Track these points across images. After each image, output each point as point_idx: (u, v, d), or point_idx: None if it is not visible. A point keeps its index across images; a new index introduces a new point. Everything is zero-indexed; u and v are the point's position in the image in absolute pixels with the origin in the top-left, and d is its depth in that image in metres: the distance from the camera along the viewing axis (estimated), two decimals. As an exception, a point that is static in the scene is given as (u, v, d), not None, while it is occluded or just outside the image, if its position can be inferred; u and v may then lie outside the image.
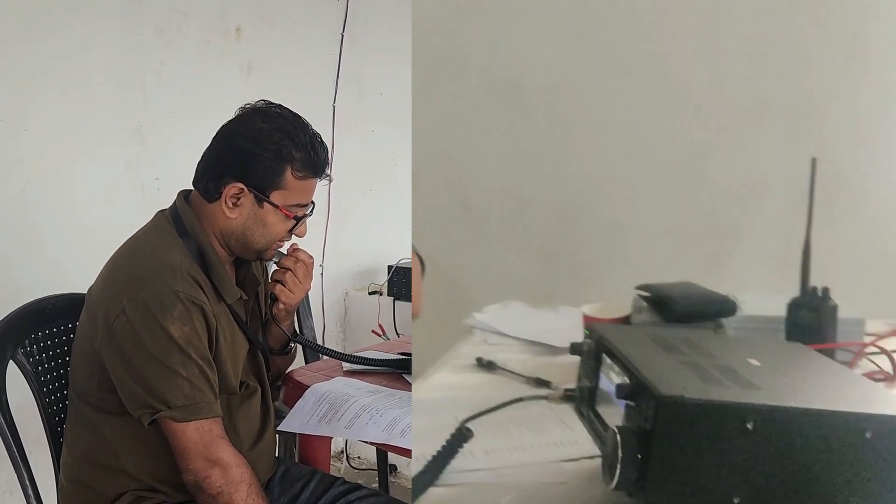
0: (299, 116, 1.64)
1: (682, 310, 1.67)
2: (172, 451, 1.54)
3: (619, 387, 1.05)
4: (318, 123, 1.68)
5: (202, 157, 1.64)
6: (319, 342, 3.03)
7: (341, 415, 1.73)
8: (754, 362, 1.20)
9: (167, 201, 1.70)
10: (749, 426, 0.94)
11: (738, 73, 2.40)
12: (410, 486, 1.16)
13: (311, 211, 1.67)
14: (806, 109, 2.41)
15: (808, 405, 0.99)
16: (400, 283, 3.13)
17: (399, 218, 3.31)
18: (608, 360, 1.19)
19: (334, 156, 2.85)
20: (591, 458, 1.27)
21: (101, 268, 1.63)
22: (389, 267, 3.16)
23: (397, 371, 1.94)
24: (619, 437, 0.96)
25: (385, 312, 3.13)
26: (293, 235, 1.68)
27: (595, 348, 1.26)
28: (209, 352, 1.57)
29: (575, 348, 1.31)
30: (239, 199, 1.60)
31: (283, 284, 1.73)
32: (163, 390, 1.50)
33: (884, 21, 2.39)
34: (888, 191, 2.44)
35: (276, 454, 1.87)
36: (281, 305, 1.76)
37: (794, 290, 1.71)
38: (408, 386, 1.86)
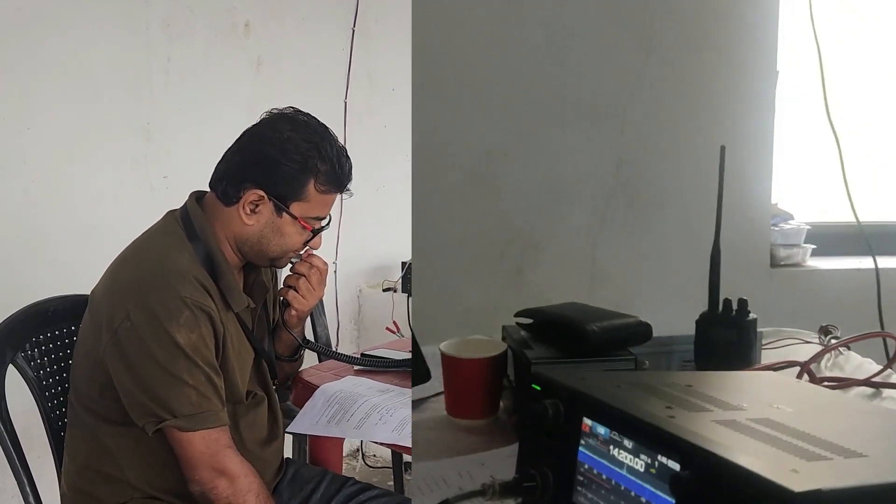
0: (327, 128, 1.60)
1: (598, 339, 1.33)
2: (178, 460, 1.50)
3: (676, 479, 0.73)
4: (329, 120, 1.63)
5: (223, 158, 1.59)
6: (333, 340, 2.99)
7: (351, 415, 1.70)
8: (785, 408, 0.92)
9: (176, 200, 1.65)
10: None
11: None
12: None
13: (328, 224, 1.63)
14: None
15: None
16: (414, 279, 3.08)
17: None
18: (603, 433, 0.83)
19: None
20: None
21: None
22: (403, 263, 3.12)
23: (409, 370, 1.89)
24: None
25: (399, 309, 3.08)
26: (308, 246, 1.65)
27: (566, 412, 0.88)
28: (216, 359, 1.52)
29: (535, 413, 0.88)
30: (258, 206, 1.55)
31: (296, 291, 1.69)
32: (168, 399, 1.46)
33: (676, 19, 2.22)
34: (685, 194, 2.24)
35: (288, 455, 1.83)
36: (293, 312, 1.71)
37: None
38: (420, 385, 1.81)
